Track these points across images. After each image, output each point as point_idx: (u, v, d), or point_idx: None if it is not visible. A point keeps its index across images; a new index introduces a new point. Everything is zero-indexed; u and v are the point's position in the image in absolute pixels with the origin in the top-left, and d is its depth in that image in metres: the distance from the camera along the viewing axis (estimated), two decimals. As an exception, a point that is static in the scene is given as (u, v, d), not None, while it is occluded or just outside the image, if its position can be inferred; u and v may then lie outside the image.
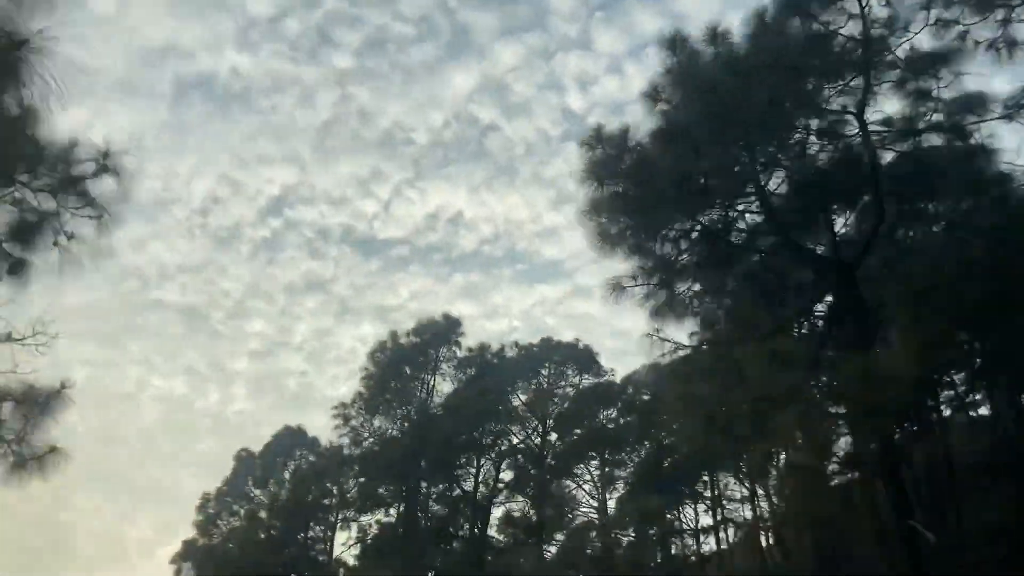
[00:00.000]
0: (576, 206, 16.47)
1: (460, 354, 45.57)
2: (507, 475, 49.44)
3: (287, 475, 50.70)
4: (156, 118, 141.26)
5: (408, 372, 44.13)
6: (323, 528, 49.48)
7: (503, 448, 47.55)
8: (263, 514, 48.59)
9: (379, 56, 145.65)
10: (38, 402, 13.14)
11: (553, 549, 52.46)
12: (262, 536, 46.35)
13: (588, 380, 50.78)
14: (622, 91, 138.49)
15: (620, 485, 53.67)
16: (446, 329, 45.08)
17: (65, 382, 13.29)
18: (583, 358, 50.02)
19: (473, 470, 47.69)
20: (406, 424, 45.27)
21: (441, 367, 45.01)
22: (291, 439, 52.29)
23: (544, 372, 49.09)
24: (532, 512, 50.63)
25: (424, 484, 46.37)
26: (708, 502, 56.46)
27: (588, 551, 56.66)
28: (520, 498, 51.03)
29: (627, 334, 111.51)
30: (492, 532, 48.78)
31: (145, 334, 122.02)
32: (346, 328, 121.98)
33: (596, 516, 51.36)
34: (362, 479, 47.27)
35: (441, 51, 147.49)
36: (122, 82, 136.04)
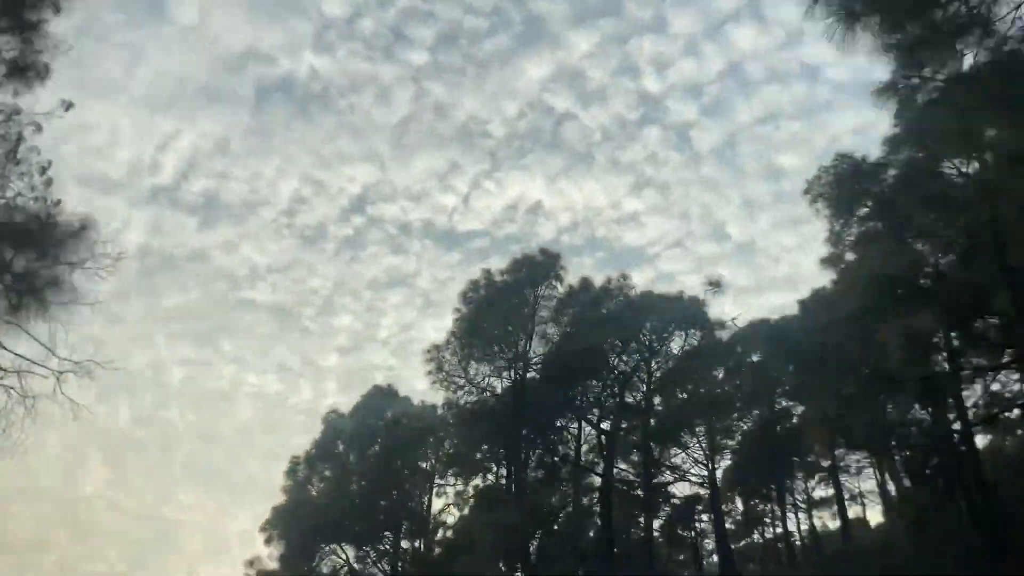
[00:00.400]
0: None
1: (561, 291, 42.00)
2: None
3: (377, 436, 48.27)
4: (240, 122, 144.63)
5: (504, 313, 40.72)
6: (417, 492, 46.93)
7: (607, 405, 44.02)
8: (354, 470, 46.30)
9: (452, 50, 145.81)
10: (43, 236, 11.25)
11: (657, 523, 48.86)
12: (353, 488, 43.96)
13: (694, 336, 46.88)
14: (700, 72, 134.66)
15: (728, 454, 49.83)
16: (545, 266, 41.60)
17: (85, 221, 11.44)
18: (688, 312, 46.03)
19: (574, 431, 44.46)
20: (502, 375, 41.96)
21: (540, 307, 41.50)
22: (381, 399, 50.07)
23: (648, 326, 45.39)
24: (637, 481, 47.07)
25: (523, 446, 43.19)
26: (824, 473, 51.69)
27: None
28: (624, 465, 47.51)
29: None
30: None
31: (238, 333, 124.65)
32: (429, 321, 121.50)
33: (705, 488, 47.41)
34: (456, 441, 44.50)
35: (514, 42, 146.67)
36: (207, 89, 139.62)
